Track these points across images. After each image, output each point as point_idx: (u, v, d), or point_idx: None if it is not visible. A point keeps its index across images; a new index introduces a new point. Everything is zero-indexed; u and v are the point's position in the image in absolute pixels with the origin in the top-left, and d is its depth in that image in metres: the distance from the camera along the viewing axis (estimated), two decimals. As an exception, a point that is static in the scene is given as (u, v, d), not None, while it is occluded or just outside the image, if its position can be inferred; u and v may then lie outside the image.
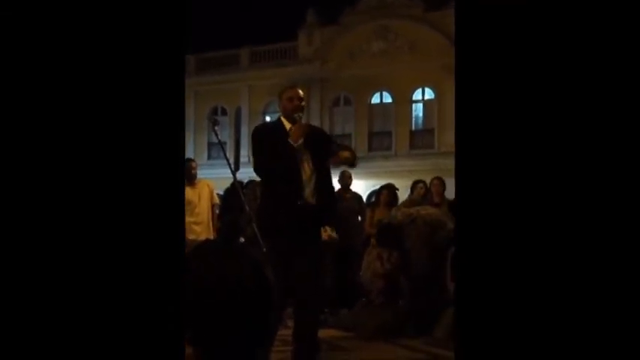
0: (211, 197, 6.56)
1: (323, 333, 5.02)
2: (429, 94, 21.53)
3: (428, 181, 7.34)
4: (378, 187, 7.39)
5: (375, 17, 21.73)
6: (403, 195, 8.60)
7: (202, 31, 24.97)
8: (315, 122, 17.88)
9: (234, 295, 1.11)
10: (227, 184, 6.87)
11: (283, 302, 4.69)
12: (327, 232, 6.66)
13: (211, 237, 6.33)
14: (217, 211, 6.83)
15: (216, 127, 4.84)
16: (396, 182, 7.88)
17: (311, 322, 4.16)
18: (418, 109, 22.03)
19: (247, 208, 4.37)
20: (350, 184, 7.71)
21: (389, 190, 6.66)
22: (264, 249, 3.98)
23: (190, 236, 6.15)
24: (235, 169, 7.15)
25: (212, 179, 7.09)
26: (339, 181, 7.68)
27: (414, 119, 22.03)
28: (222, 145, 5.18)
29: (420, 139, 21.60)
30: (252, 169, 4.40)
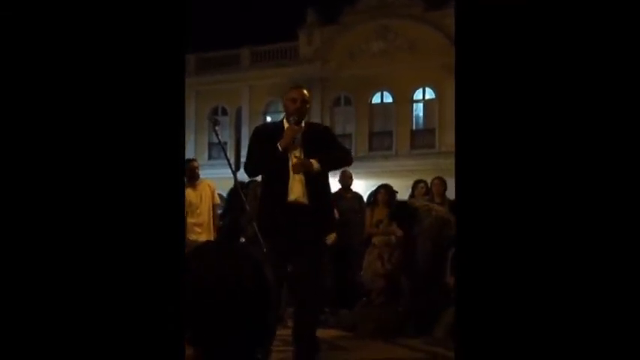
0: (212, 197, 6.56)
1: (323, 333, 5.03)
2: (430, 93, 21.50)
3: (429, 180, 7.35)
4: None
5: (375, 17, 21.71)
6: (404, 195, 8.60)
7: (203, 30, 24.95)
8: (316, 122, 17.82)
9: (234, 295, 1.11)
10: (228, 184, 6.86)
11: (282, 302, 4.71)
12: (332, 238, 6.67)
13: (212, 238, 6.33)
14: (219, 212, 6.83)
15: (216, 127, 4.84)
16: (397, 182, 7.88)
17: (310, 321, 4.17)
18: (419, 109, 22.00)
19: (248, 207, 4.38)
20: (350, 184, 7.71)
21: (386, 189, 6.66)
22: (265, 249, 3.99)
23: (191, 237, 6.15)
24: (236, 169, 7.15)
25: (213, 179, 7.08)
26: (340, 180, 7.68)
27: (414, 119, 22.01)
28: (222, 145, 5.18)
29: (421, 139, 21.58)
30: (252, 170, 4.42)
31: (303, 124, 4.19)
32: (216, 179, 7.58)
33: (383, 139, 22.16)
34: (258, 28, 24.53)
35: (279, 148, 4.04)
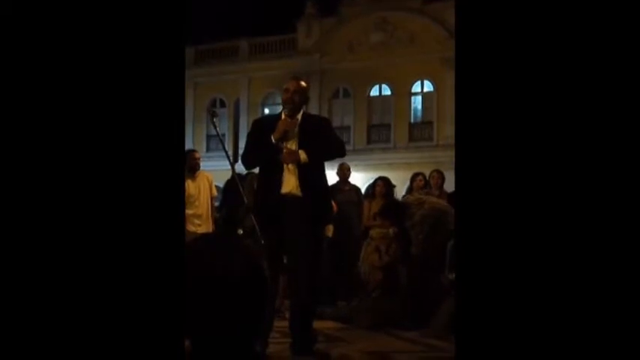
0: (210, 189, 6.57)
1: (320, 325, 5.05)
2: (428, 86, 21.49)
3: (427, 173, 7.36)
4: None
5: (374, 9, 21.67)
6: (401, 187, 8.60)
7: (201, 22, 24.87)
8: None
9: (229, 287, 1.11)
10: (226, 176, 6.86)
11: (279, 294, 4.73)
12: (330, 231, 6.69)
13: (210, 230, 6.35)
14: (216, 204, 6.84)
15: (215, 119, 4.83)
16: (395, 174, 7.90)
17: (307, 313, 4.19)
18: (417, 102, 22.00)
19: (246, 199, 4.39)
20: (348, 177, 7.71)
21: (384, 181, 6.67)
22: (263, 241, 4.01)
23: (190, 228, 6.17)
24: (234, 161, 7.14)
25: (211, 171, 7.08)
26: (338, 173, 7.68)
27: (413, 112, 22.00)
28: (220, 137, 5.17)
29: (419, 132, 21.58)
30: (251, 161, 4.44)
31: (299, 116, 4.20)
32: (214, 171, 7.58)
33: (381, 131, 22.15)
34: (257, 20, 24.46)
35: (272, 139, 4.06)
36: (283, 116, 4.21)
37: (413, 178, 7.24)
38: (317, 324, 4.57)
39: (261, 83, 23.13)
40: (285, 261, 4.31)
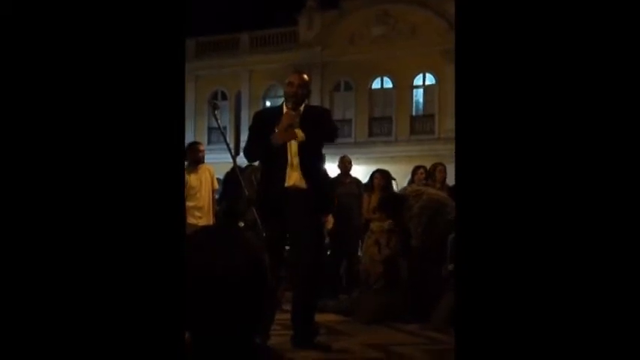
0: (212, 182, 6.57)
1: (322, 317, 5.05)
2: (430, 79, 21.46)
3: (428, 166, 7.36)
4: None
5: (375, 2, 21.61)
6: (402, 180, 8.60)
7: (202, 14, 24.81)
8: (316, 107, 17.73)
9: (229, 280, 1.11)
10: (227, 168, 6.87)
11: (280, 286, 4.74)
12: (330, 223, 6.70)
13: (211, 222, 6.36)
14: (217, 196, 6.85)
15: (216, 112, 4.84)
16: (397, 167, 7.92)
17: (308, 305, 4.21)
18: (419, 95, 21.97)
19: (246, 192, 4.40)
20: (350, 169, 7.72)
21: (381, 174, 6.66)
22: (264, 234, 4.02)
23: (191, 220, 6.18)
24: (235, 153, 7.15)
25: (212, 164, 7.09)
26: (339, 166, 7.69)
27: (414, 105, 21.99)
28: (222, 129, 5.18)
29: (421, 125, 21.56)
30: (252, 154, 4.45)
31: (301, 109, 4.21)
32: (215, 164, 7.58)
33: (383, 124, 22.14)
34: (258, 13, 24.41)
35: (276, 131, 4.07)
36: (285, 109, 4.21)
37: (414, 171, 7.24)
38: (318, 317, 4.58)
39: (262, 76, 23.11)
40: (286, 254, 4.33)
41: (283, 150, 4.11)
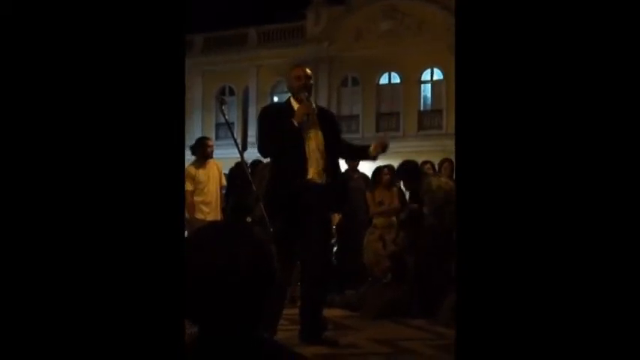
0: (220, 179, 6.58)
1: (329, 313, 5.06)
2: (438, 74, 21.39)
3: (436, 162, 7.35)
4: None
5: (383, -4, 21.56)
6: (410, 176, 8.57)
7: (210, 10, 24.80)
8: (323, 103, 17.79)
9: (237, 274, 1.11)
10: (234, 164, 6.88)
11: (292, 281, 4.75)
12: (337, 218, 6.70)
13: (219, 217, 6.38)
14: (224, 192, 6.87)
15: (223, 107, 4.84)
16: (404, 163, 7.86)
17: (318, 300, 4.21)
18: (426, 90, 21.92)
19: (254, 188, 4.40)
20: (357, 165, 7.71)
21: (390, 169, 6.64)
22: (272, 229, 4.02)
23: (199, 216, 6.20)
24: (243, 149, 7.16)
25: (219, 159, 7.10)
26: (347, 161, 7.68)
27: (422, 100, 21.93)
28: (229, 125, 5.18)
29: (429, 120, 21.51)
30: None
31: (313, 104, 4.25)
32: (222, 159, 7.60)
33: (390, 120, 22.11)
34: (266, 8, 24.38)
35: (295, 122, 4.07)
36: (294, 104, 4.21)
37: (421, 167, 7.23)
38: (325, 312, 4.59)
39: (269, 71, 23.09)
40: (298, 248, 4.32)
41: (301, 144, 4.12)
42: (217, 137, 22.62)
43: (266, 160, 5.15)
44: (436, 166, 7.31)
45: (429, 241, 5.81)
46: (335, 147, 4.28)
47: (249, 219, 5.93)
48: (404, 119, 21.73)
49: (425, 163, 7.29)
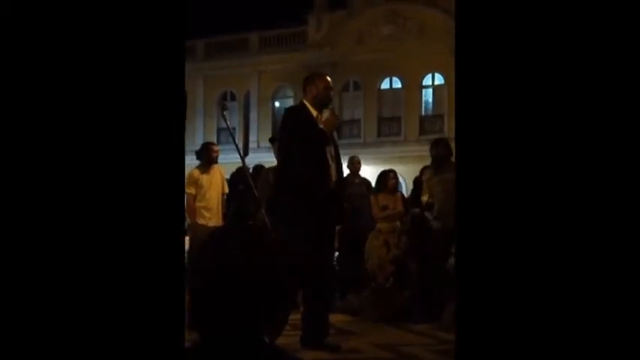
0: (222, 185, 6.57)
1: (331, 318, 5.05)
2: (439, 79, 21.40)
3: (437, 166, 7.33)
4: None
5: (384, 1, 21.57)
6: (411, 181, 8.58)
7: (211, 15, 24.86)
8: (325, 107, 17.71)
9: (248, 278, 1.12)
10: (235, 169, 6.87)
11: (295, 286, 4.75)
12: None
13: (220, 223, 6.36)
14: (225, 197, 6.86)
15: (225, 112, 4.85)
16: (405, 168, 7.90)
17: (324, 308, 4.23)
18: (428, 95, 21.92)
19: (256, 193, 4.40)
20: (359, 170, 7.72)
21: (395, 174, 6.65)
22: (273, 234, 4.01)
23: (200, 221, 6.19)
24: (244, 154, 7.16)
25: (221, 164, 7.09)
26: (348, 166, 7.68)
27: (423, 105, 21.93)
28: (231, 130, 5.19)
29: (430, 125, 21.49)
30: (260, 154, 4.47)
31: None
32: (224, 164, 7.59)
33: (392, 124, 22.10)
34: (267, 13, 24.44)
35: (326, 130, 4.20)
36: (313, 111, 4.25)
37: (422, 171, 7.22)
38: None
39: (271, 76, 23.11)
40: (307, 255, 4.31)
41: (325, 154, 4.19)
42: (219, 142, 22.58)
43: (268, 165, 5.15)
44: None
45: (432, 246, 5.80)
46: (338, 155, 4.37)
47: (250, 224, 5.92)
48: (405, 124, 21.73)
49: (426, 167, 7.27)
